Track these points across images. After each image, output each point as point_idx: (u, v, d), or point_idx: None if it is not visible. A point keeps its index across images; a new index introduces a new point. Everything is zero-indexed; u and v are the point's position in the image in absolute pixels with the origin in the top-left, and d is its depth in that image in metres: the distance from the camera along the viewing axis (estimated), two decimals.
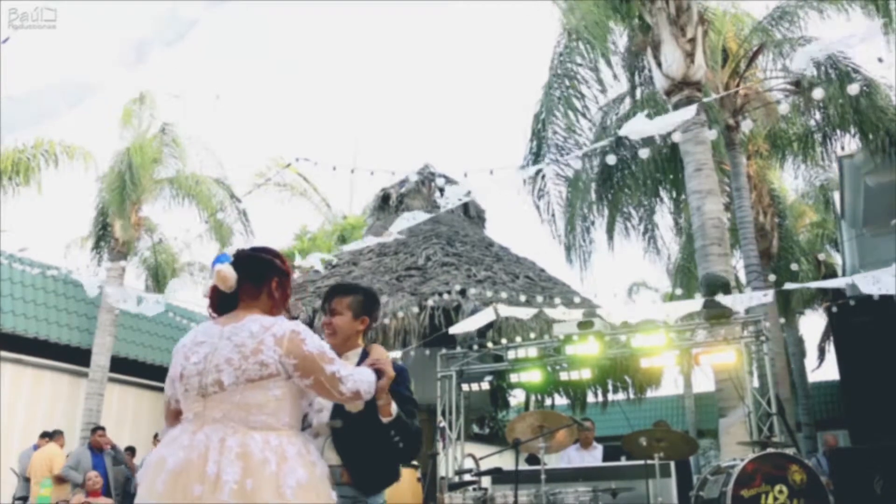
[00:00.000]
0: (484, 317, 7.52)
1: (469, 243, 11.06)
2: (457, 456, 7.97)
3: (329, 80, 59.89)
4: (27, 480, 8.92)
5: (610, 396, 11.55)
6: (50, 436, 9.16)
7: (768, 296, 7.78)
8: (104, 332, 12.14)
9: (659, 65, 8.67)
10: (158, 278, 14.06)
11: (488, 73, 59.21)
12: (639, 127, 5.05)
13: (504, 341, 8.34)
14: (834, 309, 10.16)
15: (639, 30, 9.72)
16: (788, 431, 6.94)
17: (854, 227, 11.44)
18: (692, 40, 8.60)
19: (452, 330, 7.63)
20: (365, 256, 11.22)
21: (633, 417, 12.69)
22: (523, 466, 6.13)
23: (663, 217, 13.26)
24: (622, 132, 5.16)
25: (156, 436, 10.22)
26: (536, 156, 10.66)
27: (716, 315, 6.82)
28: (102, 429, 9.31)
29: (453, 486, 6.34)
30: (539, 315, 7.88)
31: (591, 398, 11.94)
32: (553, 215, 11.68)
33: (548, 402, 12.59)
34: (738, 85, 10.96)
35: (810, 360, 17.43)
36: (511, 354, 7.98)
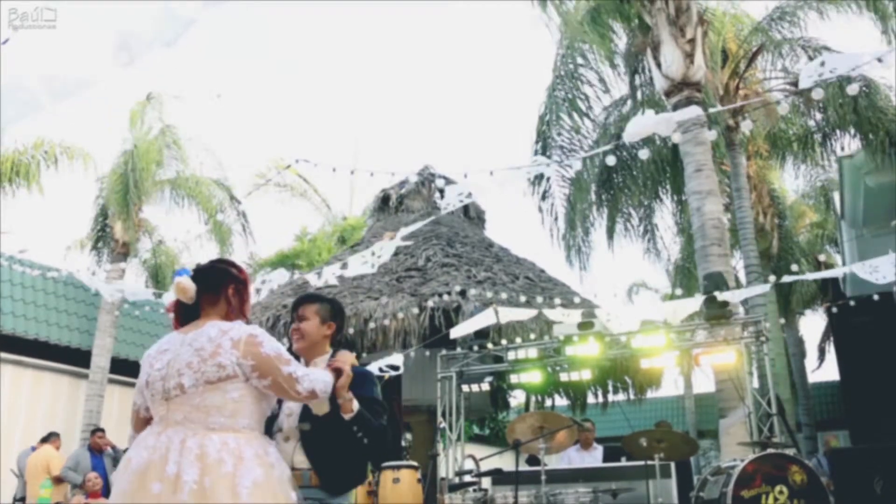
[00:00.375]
0: (484, 319, 7.51)
1: (469, 244, 11.05)
2: (457, 457, 7.96)
3: (329, 80, 59.98)
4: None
5: (610, 397, 11.53)
6: (46, 439, 9.15)
7: (766, 287, 7.80)
8: (104, 333, 12.14)
9: (658, 65, 8.67)
10: (158, 279, 14.07)
11: (488, 74, 59.29)
12: (641, 123, 5.03)
13: (504, 342, 8.34)
14: (834, 309, 10.14)
15: (638, 30, 9.72)
16: (789, 432, 6.95)
17: (854, 228, 11.44)
18: (692, 41, 8.60)
19: (453, 334, 7.63)
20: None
21: (634, 418, 12.68)
22: (523, 467, 6.13)
23: (663, 217, 13.29)
24: (625, 138, 5.16)
25: None
26: (542, 156, 10.66)
27: (716, 315, 6.81)
28: (102, 430, 9.30)
29: (453, 487, 6.34)
30: (539, 316, 7.87)
31: (591, 399, 11.92)
32: (556, 218, 11.71)
33: (548, 402, 12.58)
34: (737, 85, 10.96)
35: (810, 360, 17.43)
36: (511, 355, 7.98)
